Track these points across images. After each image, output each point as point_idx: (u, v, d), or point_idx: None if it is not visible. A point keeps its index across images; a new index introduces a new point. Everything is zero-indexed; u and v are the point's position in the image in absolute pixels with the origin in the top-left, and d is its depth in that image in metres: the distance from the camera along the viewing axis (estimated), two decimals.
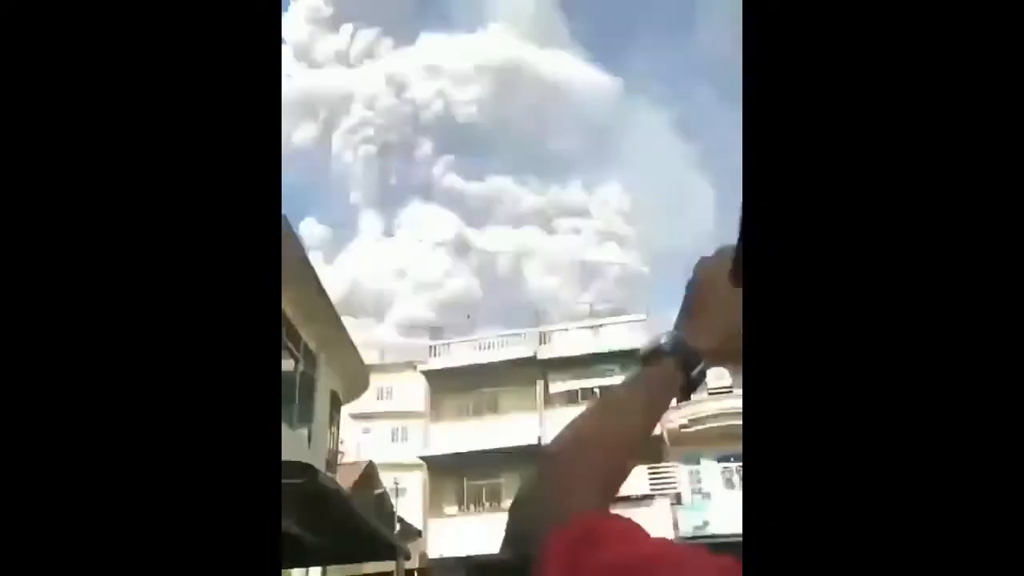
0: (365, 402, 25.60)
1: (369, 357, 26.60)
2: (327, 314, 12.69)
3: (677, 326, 0.74)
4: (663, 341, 0.71)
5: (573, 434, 0.68)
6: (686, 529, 19.87)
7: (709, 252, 0.76)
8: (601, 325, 24.51)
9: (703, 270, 0.75)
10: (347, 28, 57.00)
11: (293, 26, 61.56)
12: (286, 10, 61.11)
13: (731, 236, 0.73)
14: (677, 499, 20.68)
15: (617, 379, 21.69)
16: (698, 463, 20.92)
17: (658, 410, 0.70)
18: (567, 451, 0.66)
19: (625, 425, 0.68)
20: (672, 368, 0.70)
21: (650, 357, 0.72)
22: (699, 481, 21.00)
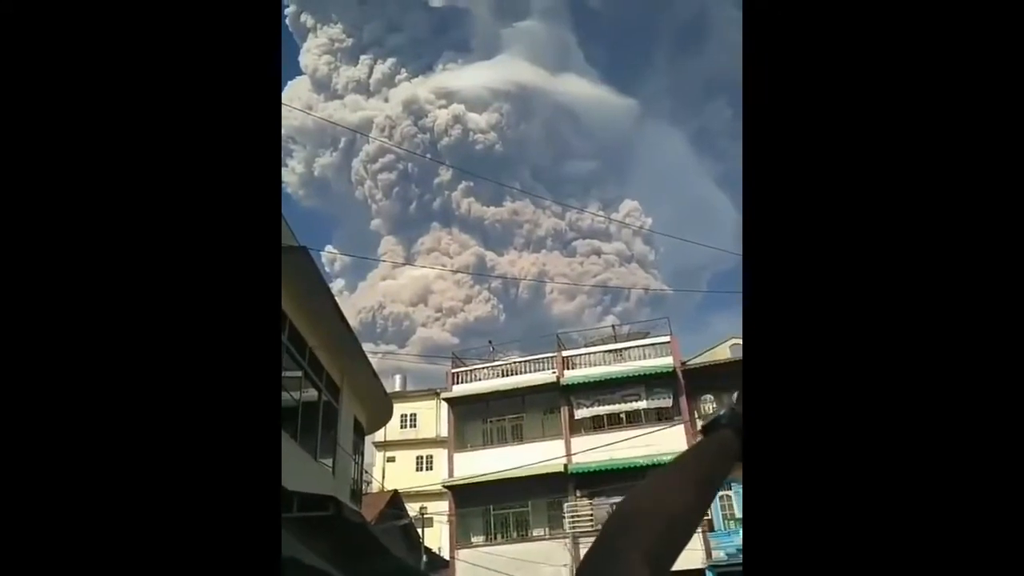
0: (389, 430, 25.50)
1: (391, 385, 26.65)
2: (348, 343, 12.65)
3: (737, 400, 0.78)
4: (722, 413, 0.77)
5: (632, 506, 0.72)
6: (719, 556, 19.36)
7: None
8: (625, 348, 24.24)
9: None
10: (366, 59, 58.15)
11: (312, 58, 62.93)
12: (304, 41, 62.84)
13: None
14: (709, 526, 20.19)
15: (642, 404, 21.27)
16: (729, 488, 20.46)
17: (717, 478, 0.74)
18: (624, 524, 0.70)
19: (683, 495, 0.71)
20: (730, 438, 0.75)
21: (709, 428, 0.77)
22: (731, 507, 20.51)
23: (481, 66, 56.40)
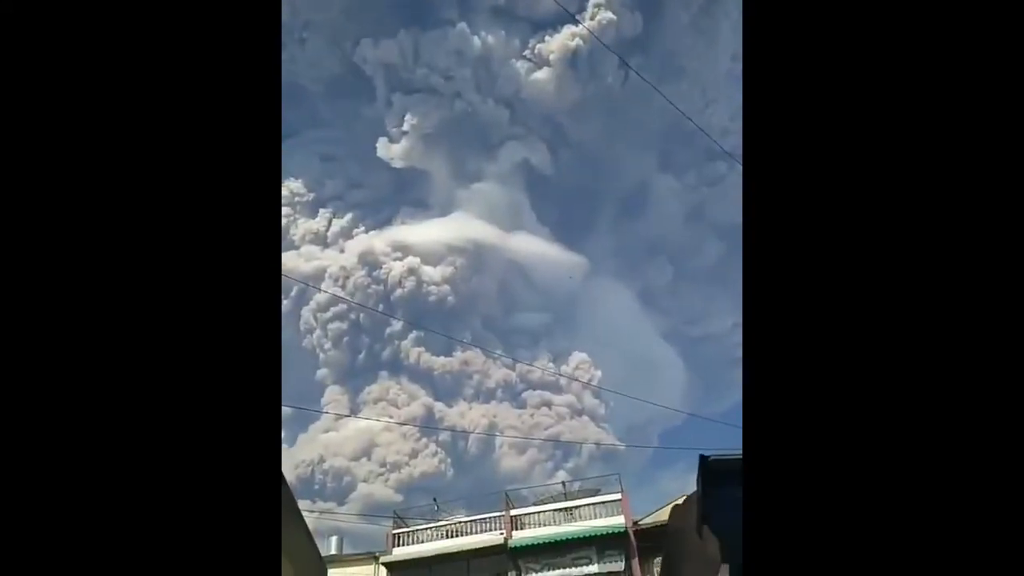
0: None
1: (327, 548, 24.65)
2: (283, 501, 11.86)
3: None
4: None
5: None
6: None
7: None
8: (576, 506, 23.34)
9: (673, 518, 0.79)
10: (325, 212, 60.24)
11: None
12: None
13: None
14: None
15: (594, 567, 20.28)
16: None
17: None
18: None
19: None
20: None
21: None
22: None
23: (437, 222, 58.95)
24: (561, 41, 53.99)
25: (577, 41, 53.06)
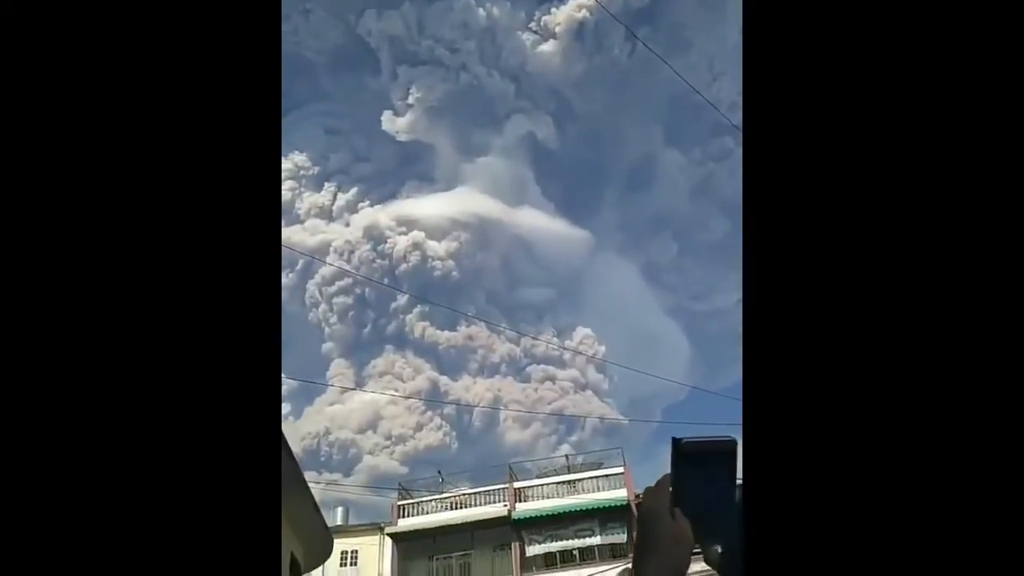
0: (327, 569, 23.72)
1: (333, 518, 25.09)
2: (289, 472, 12.04)
3: (633, 562, 0.85)
4: None
5: None
6: None
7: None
8: (579, 480, 23.65)
9: (646, 500, 0.87)
10: (330, 186, 60.07)
11: None
12: None
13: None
14: None
15: (596, 539, 20.46)
16: None
17: None
18: None
19: None
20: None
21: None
22: None
23: (442, 196, 58.74)
24: (567, 12, 53.19)
25: (583, 12, 52.25)
